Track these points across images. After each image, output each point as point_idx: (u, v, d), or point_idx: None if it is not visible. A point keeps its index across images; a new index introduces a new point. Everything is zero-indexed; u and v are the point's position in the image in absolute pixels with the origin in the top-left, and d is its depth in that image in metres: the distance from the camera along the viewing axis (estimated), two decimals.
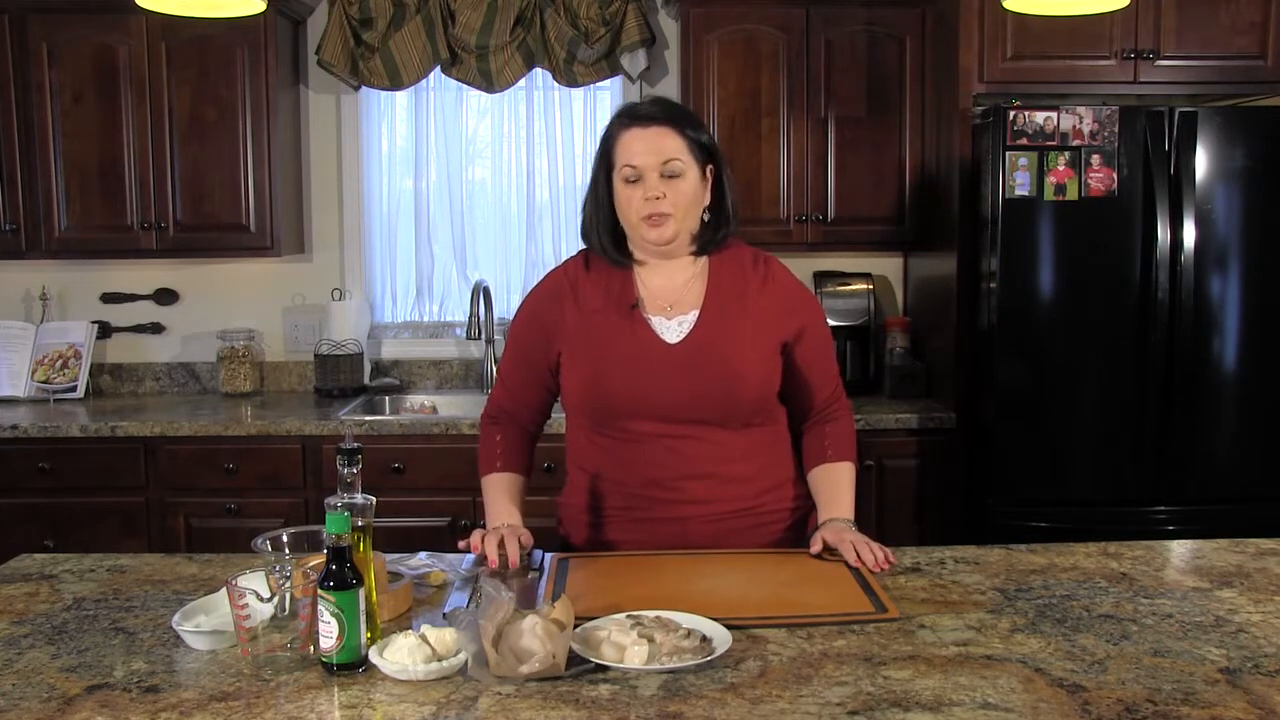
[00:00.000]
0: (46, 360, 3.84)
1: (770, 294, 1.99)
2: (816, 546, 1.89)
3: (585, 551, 2.01)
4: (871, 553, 1.82)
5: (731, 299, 1.97)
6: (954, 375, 3.46)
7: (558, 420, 2.10)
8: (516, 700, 1.34)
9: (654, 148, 1.88)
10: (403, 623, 1.62)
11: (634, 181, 1.90)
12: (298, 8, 3.81)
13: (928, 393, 3.70)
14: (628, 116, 1.94)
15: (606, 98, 3.99)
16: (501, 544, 1.85)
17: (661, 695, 1.35)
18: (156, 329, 4.02)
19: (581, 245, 2.05)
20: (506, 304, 4.02)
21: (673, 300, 1.97)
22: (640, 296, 1.97)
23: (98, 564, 1.93)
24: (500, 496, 2.01)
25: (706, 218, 1.96)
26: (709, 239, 1.98)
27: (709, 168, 1.95)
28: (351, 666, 1.42)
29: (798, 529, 2.05)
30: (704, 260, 2.00)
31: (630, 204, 1.91)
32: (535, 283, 2.10)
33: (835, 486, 2.01)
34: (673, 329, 1.95)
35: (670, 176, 1.89)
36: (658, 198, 1.88)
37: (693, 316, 1.95)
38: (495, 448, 2.06)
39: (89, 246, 3.70)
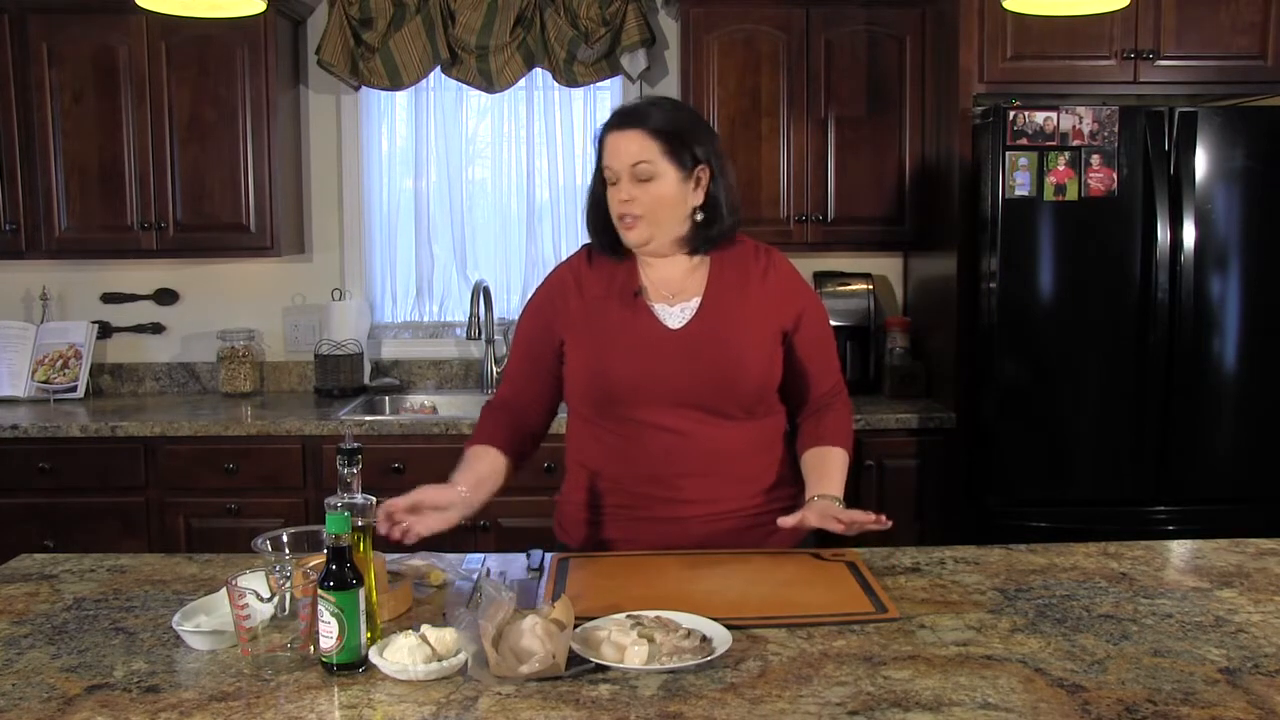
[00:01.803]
0: (47, 360, 3.84)
1: (771, 282, 2.01)
2: (790, 522, 1.84)
3: (583, 550, 2.01)
4: (861, 517, 1.79)
5: (733, 287, 1.99)
6: (954, 375, 3.45)
7: (558, 419, 2.10)
8: (516, 700, 1.34)
9: (623, 150, 1.91)
10: (403, 623, 1.62)
11: (613, 183, 1.93)
12: (298, 8, 3.81)
13: (928, 393, 3.70)
14: (612, 118, 1.97)
15: (606, 98, 3.99)
16: (393, 518, 1.77)
17: (661, 695, 1.35)
18: (156, 329, 4.02)
19: (586, 240, 2.07)
20: (506, 304, 4.02)
21: (675, 289, 1.99)
22: (643, 284, 1.99)
23: (98, 564, 1.93)
24: (464, 466, 1.95)
25: (699, 218, 1.96)
26: (702, 238, 1.98)
27: (700, 169, 1.94)
28: (351, 666, 1.42)
29: (796, 530, 2.04)
30: (706, 253, 2.01)
31: (610, 205, 1.95)
32: (536, 283, 2.10)
33: (825, 464, 1.98)
34: (675, 315, 1.97)
35: (642, 180, 1.90)
36: (626, 200, 1.91)
37: (695, 303, 1.97)
38: (485, 424, 2.03)
39: (89, 246, 3.69)
